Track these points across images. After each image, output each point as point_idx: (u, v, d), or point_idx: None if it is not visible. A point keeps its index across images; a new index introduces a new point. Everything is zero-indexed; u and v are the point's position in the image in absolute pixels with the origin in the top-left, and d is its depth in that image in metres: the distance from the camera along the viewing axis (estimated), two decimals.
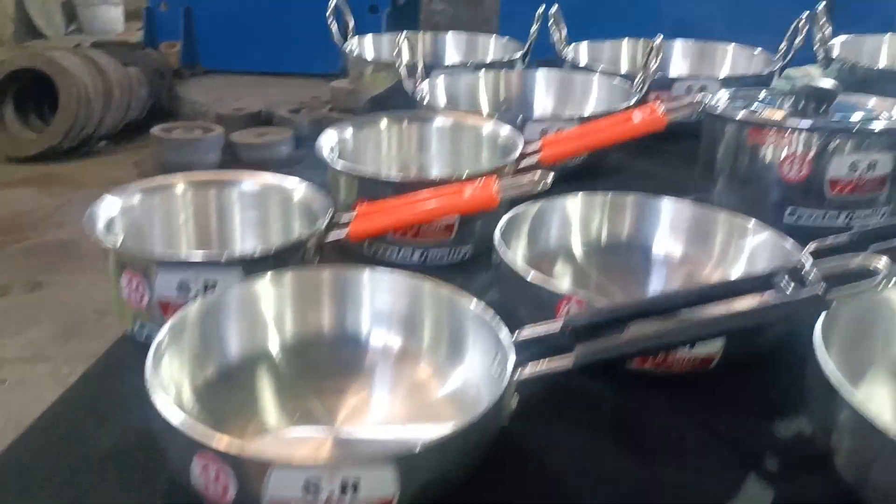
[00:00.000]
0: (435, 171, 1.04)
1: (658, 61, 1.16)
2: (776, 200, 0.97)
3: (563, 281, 0.82)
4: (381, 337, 0.67)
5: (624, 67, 1.56)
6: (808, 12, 1.40)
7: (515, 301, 0.74)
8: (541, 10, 1.49)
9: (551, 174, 0.75)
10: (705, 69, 1.53)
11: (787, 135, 0.93)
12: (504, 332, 0.58)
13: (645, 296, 0.82)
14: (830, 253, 0.75)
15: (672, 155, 1.26)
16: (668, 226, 0.85)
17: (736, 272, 0.81)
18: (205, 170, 3.55)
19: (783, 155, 0.94)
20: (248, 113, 4.28)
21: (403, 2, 5.48)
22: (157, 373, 0.53)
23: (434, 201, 0.75)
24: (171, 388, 0.55)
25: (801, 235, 0.95)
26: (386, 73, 1.48)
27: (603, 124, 0.94)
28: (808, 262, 0.62)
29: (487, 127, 1.00)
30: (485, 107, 1.32)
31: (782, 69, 1.38)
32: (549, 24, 1.49)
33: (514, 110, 1.31)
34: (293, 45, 5.07)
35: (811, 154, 0.93)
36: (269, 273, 0.67)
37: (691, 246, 0.85)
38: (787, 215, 0.96)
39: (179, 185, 0.85)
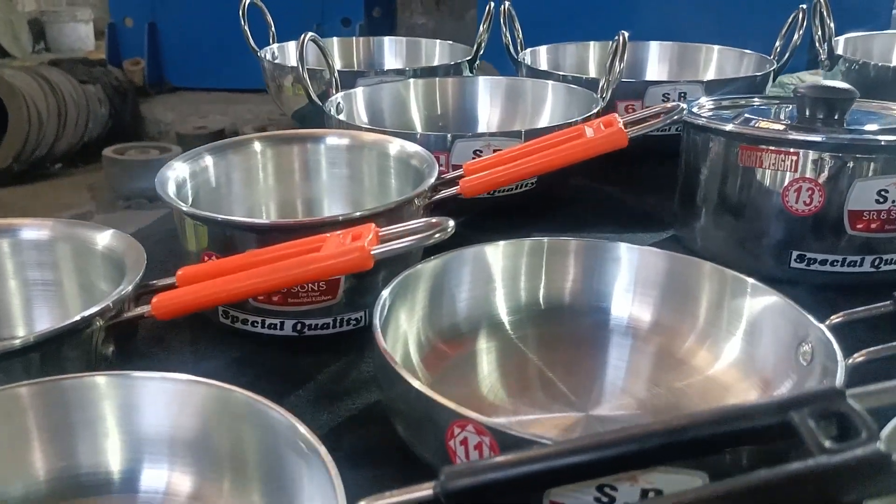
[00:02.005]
0: (326, 208, 0.79)
1: (624, 61, 0.92)
2: (778, 240, 0.72)
3: (461, 385, 0.56)
4: None
5: (592, 73, 1.32)
6: (804, 6, 1.17)
7: (393, 412, 0.49)
8: (490, 6, 1.25)
9: (451, 223, 0.50)
10: (686, 73, 1.29)
11: (791, 153, 0.69)
12: None
13: (591, 427, 0.56)
14: (862, 328, 0.51)
15: (647, 178, 1.02)
16: (632, 282, 0.61)
17: (729, 351, 0.56)
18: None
19: (787, 180, 0.70)
20: (209, 132, 4.03)
21: (380, 14, 5.26)
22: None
23: (279, 265, 0.50)
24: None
25: (813, 286, 0.72)
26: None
27: (544, 143, 0.69)
28: (840, 370, 0.37)
29: (393, 148, 0.75)
30: (417, 123, 1.07)
31: (777, 72, 1.14)
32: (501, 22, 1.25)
33: (451, 127, 1.07)
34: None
35: (824, 178, 0.69)
36: None
37: (665, 310, 0.60)
38: (793, 260, 0.72)
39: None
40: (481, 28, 1.26)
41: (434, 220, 0.52)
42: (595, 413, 0.54)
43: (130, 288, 0.53)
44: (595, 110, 0.91)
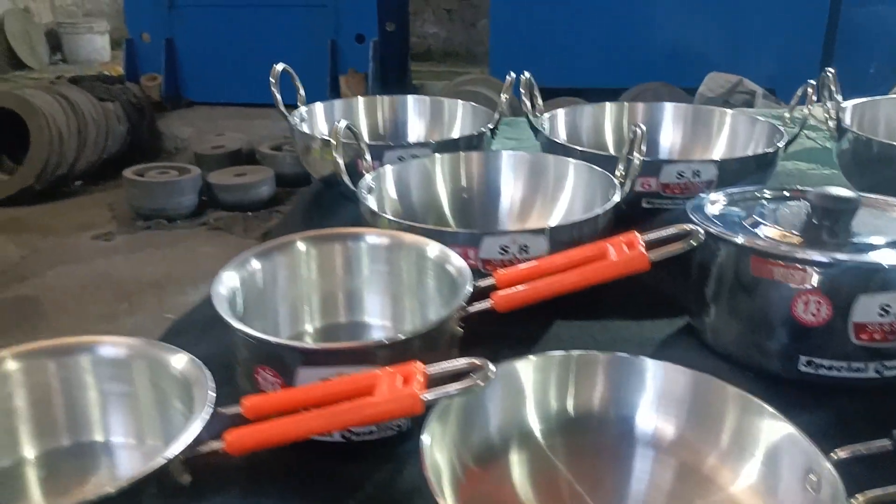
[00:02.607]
0: (370, 310, 0.85)
1: (642, 153, 0.97)
2: (787, 345, 0.78)
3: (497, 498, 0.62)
4: None
5: (609, 138, 1.38)
6: (812, 81, 1.22)
7: None
8: (510, 78, 1.31)
9: (492, 368, 0.56)
10: (700, 137, 1.34)
11: (799, 268, 0.75)
12: None
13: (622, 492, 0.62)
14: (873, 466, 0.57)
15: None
16: (657, 397, 0.66)
17: (748, 473, 0.62)
18: (181, 212, 3.35)
19: (796, 292, 0.75)
20: (227, 151, 4.10)
21: (393, 28, 5.32)
22: None
23: (336, 408, 0.56)
24: None
25: (820, 388, 0.78)
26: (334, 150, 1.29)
27: (570, 261, 0.75)
28: None
29: (432, 251, 0.81)
30: (443, 197, 1.13)
31: (788, 144, 1.20)
32: (520, 90, 1.31)
33: (475, 201, 1.12)
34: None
35: (830, 292, 0.74)
36: None
37: (689, 426, 0.66)
38: (801, 364, 0.77)
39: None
40: (502, 98, 1.32)
41: (477, 361, 0.58)
42: None
43: (202, 427, 0.59)
44: (615, 200, 0.96)
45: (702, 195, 0.91)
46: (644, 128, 0.98)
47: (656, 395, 0.66)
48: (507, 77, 1.31)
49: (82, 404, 0.66)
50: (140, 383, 0.66)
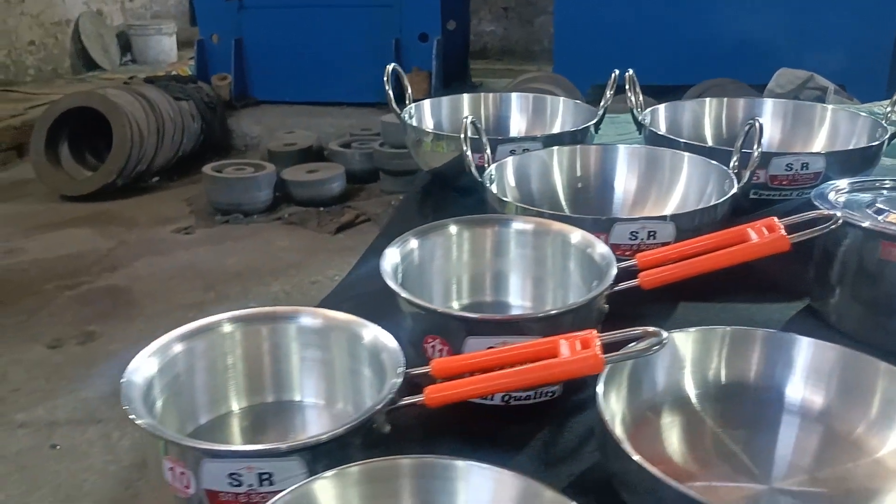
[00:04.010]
0: (514, 291, 0.92)
1: (762, 146, 1.03)
2: None
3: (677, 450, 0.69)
4: None
5: (707, 133, 1.43)
6: None
7: (625, 489, 0.62)
8: (615, 75, 1.37)
9: (664, 334, 0.62)
10: (800, 133, 1.38)
11: None
12: None
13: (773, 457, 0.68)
14: None
15: None
16: (806, 372, 0.72)
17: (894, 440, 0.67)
18: (257, 207, 3.44)
19: None
20: (299, 148, 4.23)
21: (454, 27, 5.40)
22: None
23: (528, 367, 0.64)
24: None
25: None
26: (446, 143, 1.37)
27: (710, 243, 0.81)
28: None
29: (575, 237, 0.88)
30: (559, 189, 1.20)
31: (893, 137, 1.23)
32: (626, 87, 1.37)
33: (591, 200, 1.18)
34: (343, 75, 5.03)
35: None
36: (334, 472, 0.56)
37: (837, 398, 0.71)
38: None
39: (224, 325, 0.74)
40: (607, 94, 1.38)
41: (650, 329, 0.64)
42: (777, 486, 0.66)
43: (401, 380, 0.67)
44: (734, 190, 1.01)
45: (827, 184, 0.96)
46: (762, 121, 1.03)
47: (806, 369, 0.72)
48: (613, 73, 1.37)
49: (286, 367, 0.74)
50: (336, 351, 0.74)
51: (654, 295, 0.86)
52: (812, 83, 3.59)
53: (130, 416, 0.60)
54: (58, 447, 2.14)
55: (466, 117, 1.13)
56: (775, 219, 0.81)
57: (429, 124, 1.52)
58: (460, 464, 0.56)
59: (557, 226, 0.90)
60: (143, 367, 0.67)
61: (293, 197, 3.86)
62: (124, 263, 3.32)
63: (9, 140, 4.83)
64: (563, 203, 1.20)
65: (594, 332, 0.66)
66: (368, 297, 0.92)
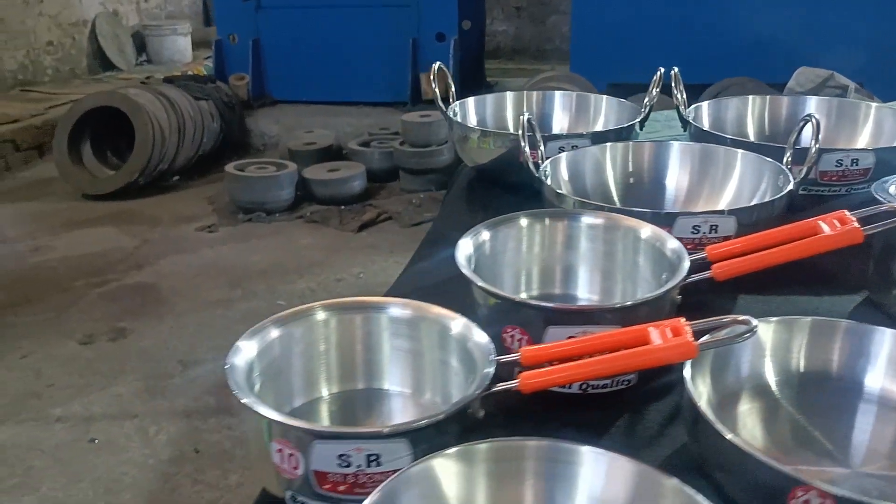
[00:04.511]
0: (582, 284, 0.94)
1: (819, 142, 1.04)
2: None
3: (756, 427, 0.71)
4: None
5: (750, 129, 1.44)
6: None
7: (717, 470, 0.64)
8: (659, 73, 1.39)
9: (754, 322, 0.64)
10: (845, 129, 1.40)
11: None
12: None
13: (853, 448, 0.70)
14: None
15: None
16: (886, 362, 0.74)
17: None
18: (279, 205, 3.50)
19: None
20: (319, 147, 4.26)
21: (469, 26, 5.42)
22: None
23: (624, 353, 0.66)
24: None
25: None
26: (493, 140, 1.39)
27: (780, 236, 0.83)
28: None
29: (645, 232, 0.90)
30: (611, 185, 1.22)
31: None
32: (672, 85, 1.39)
33: (644, 195, 1.20)
34: (360, 74, 5.05)
35: None
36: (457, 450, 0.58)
37: None
38: None
39: (318, 312, 0.76)
40: (653, 92, 1.40)
41: (740, 317, 0.66)
42: (861, 470, 0.68)
43: (493, 370, 0.69)
44: (790, 186, 1.03)
45: (884, 179, 0.98)
46: (819, 118, 1.05)
47: (886, 360, 0.74)
48: (658, 71, 1.39)
49: (376, 355, 0.76)
50: (426, 342, 0.76)
51: (714, 289, 0.88)
52: (832, 81, 3.60)
53: (243, 401, 0.62)
54: (96, 441, 2.17)
55: (524, 114, 1.15)
56: (846, 212, 0.83)
57: (472, 121, 1.54)
58: (584, 448, 0.58)
59: (628, 221, 0.92)
60: (243, 350, 0.69)
61: (315, 195, 3.89)
62: (150, 261, 3.35)
63: (30, 139, 4.87)
64: (616, 198, 1.22)
65: (682, 319, 0.68)
66: (427, 291, 0.94)
